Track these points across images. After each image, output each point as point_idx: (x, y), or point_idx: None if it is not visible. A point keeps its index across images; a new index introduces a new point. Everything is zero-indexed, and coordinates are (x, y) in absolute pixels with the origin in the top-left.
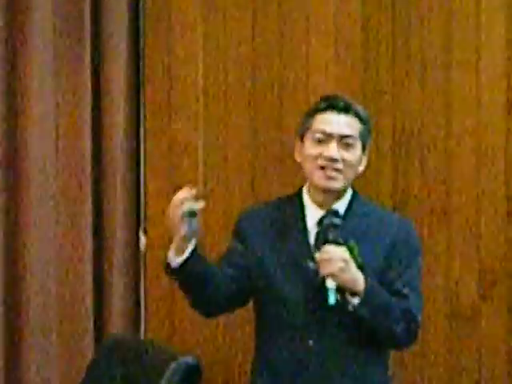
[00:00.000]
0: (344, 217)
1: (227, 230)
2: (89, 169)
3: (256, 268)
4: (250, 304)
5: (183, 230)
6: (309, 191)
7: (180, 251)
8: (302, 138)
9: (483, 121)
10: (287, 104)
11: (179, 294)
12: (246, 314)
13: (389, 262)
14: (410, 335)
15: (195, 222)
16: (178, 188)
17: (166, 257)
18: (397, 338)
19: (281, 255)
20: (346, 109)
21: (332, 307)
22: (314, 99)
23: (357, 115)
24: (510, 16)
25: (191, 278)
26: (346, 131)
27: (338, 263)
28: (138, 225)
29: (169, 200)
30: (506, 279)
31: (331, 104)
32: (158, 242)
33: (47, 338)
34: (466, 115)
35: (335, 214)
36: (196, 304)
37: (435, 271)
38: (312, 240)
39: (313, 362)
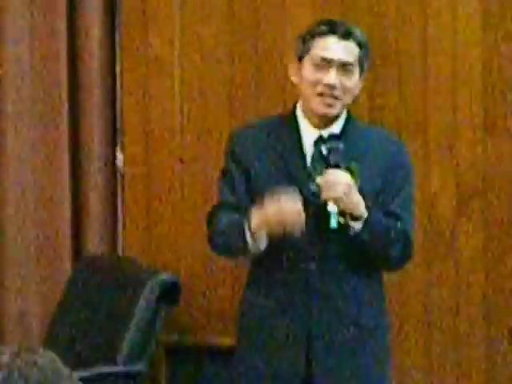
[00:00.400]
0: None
1: (205, 143)
2: (65, 86)
3: (254, 191)
4: None
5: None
6: (303, 112)
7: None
8: (299, 59)
9: (459, 35)
10: (265, 23)
11: (157, 212)
12: None
13: (384, 184)
14: (406, 256)
15: None
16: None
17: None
18: (393, 259)
19: (279, 178)
20: (346, 34)
21: (333, 231)
22: (290, 21)
23: (356, 41)
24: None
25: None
26: (346, 58)
27: (341, 187)
28: (115, 143)
29: (144, 116)
30: (484, 193)
31: (332, 29)
32: (135, 159)
33: (26, 259)
34: (442, 29)
35: (336, 137)
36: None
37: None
38: (309, 161)
39: (314, 284)
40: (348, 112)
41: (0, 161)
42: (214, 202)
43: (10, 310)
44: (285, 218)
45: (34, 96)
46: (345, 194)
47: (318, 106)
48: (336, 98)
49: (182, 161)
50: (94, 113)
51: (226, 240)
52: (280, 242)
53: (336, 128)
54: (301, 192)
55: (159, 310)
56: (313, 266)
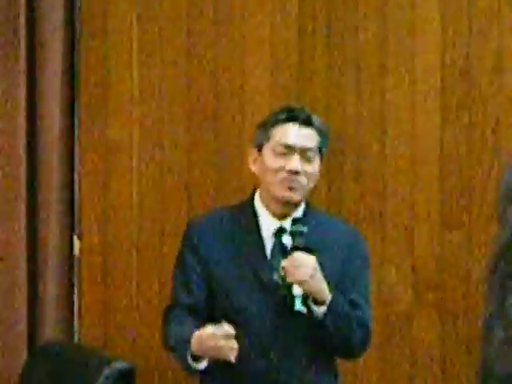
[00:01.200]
0: (294, 231)
1: (162, 233)
2: (23, 171)
3: (213, 282)
4: None
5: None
6: (263, 201)
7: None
8: (259, 148)
9: (418, 126)
10: (223, 108)
11: (113, 300)
12: None
13: (343, 273)
14: (364, 344)
15: None
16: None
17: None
18: (352, 347)
19: (238, 268)
20: (306, 121)
21: (297, 314)
22: (249, 105)
23: (316, 128)
24: (444, 22)
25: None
26: (308, 144)
27: (308, 270)
28: (72, 230)
29: (102, 205)
30: (440, 286)
31: (292, 116)
32: (92, 246)
33: None
34: (400, 121)
35: (301, 221)
36: None
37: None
38: (268, 251)
39: (273, 374)
40: (306, 200)
41: None
42: (168, 285)
43: None
44: (219, 344)
45: None
46: (311, 276)
47: (282, 192)
48: (299, 183)
49: (137, 248)
50: (51, 199)
51: (174, 352)
52: (240, 331)
53: (297, 216)
54: (262, 283)
55: None
56: (273, 355)
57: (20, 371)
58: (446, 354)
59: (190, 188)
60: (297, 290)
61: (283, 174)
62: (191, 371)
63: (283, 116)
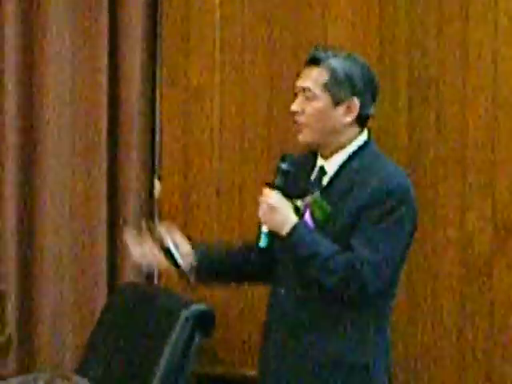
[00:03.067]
0: (337, 173)
1: (243, 176)
2: (104, 116)
3: None
4: None
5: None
6: None
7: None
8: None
9: (500, 71)
10: (303, 55)
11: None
12: None
13: (359, 218)
14: (348, 289)
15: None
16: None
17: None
18: (329, 289)
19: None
20: (314, 61)
21: (261, 250)
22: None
23: (326, 66)
24: None
25: (215, 277)
26: (305, 83)
27: (263, 207)
28: (153, 172)
29: (183, 146)
30: None
31: (307, 58)
32: (173, 188)
33: (63, 286)
34: (482, 66)
35: (285, 158)
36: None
37: (449, 223)
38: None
39: (285, 310)
40: (363, 145)
41: (38, 188)
42: (251, 234)
43: (45, 337)
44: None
45: (75, 126)
46: (265, 213)
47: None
48: (300, 123)
49: (218, 192)
50: (132, 142)
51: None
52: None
53: (337, 161)
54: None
55: (193, 340)
56: (283, 291)
57: (100, 310)
58: None
59: (270, 132)
60: (264, 227)
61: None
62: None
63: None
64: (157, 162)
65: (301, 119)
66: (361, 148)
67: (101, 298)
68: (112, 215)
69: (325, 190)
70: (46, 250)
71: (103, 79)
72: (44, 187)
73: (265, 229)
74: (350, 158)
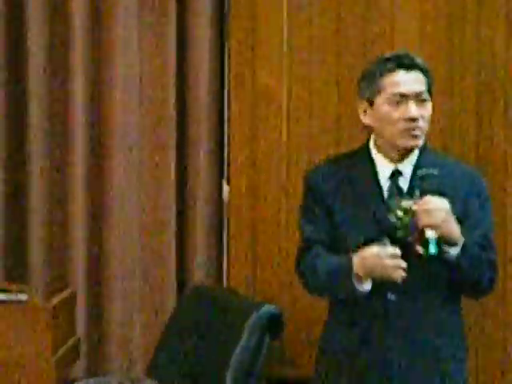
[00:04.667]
0: (415, 170)
1: None
2: (173, 119)
3: (334, 226)
4: None
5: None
6: (378, 148)
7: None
8: (370, 101)
9: None
10: (371, 53)
11: (262, 244)
12: None
13: (466, 213)
14: (492, 285)
15: None
16: None
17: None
18: (482, 287)
19: (357, 211)
20: (412, 65)
21: (431, 257)
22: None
23: (421, 69)
24: None
25: None
26: (419, 88)
27: (440, 213)
28: (222, 174)
29: (251, 149)
30: None
31: (399, 63)
32: (241, 191)
33: (131, 287)
34: None
35: (429, 164)
36: None
37: None
38: (385, 194)
39: (392, 315)
40: (424, 144)
41: (107, 191)
42: None
43: (115, 338)
44: (385, 263)
45: (144, 127)
46: (444, 220)
47: (406, 140)
48: (420, 128)
49: (286, 193)
50: (201, 144)
51: (326, 281)
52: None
53: (411, 161)
54: (380, 224)
55: (263, 343)
56: (393, 297)
57: (170, 313)
58: None
59: (338, 133)
60: (430, 234)
61: (403, 123)
62: (356, 295)
63: (390, 64)
64: (225, 165)
65: (421, 125)
66: (422, 149)
67: (170, 299)
68: (181, 217)
69: (417, 190)
70: (114, 252)
71: (171, 82)
72: (113, 189)
73: (434, 235)
74: (419, 158)
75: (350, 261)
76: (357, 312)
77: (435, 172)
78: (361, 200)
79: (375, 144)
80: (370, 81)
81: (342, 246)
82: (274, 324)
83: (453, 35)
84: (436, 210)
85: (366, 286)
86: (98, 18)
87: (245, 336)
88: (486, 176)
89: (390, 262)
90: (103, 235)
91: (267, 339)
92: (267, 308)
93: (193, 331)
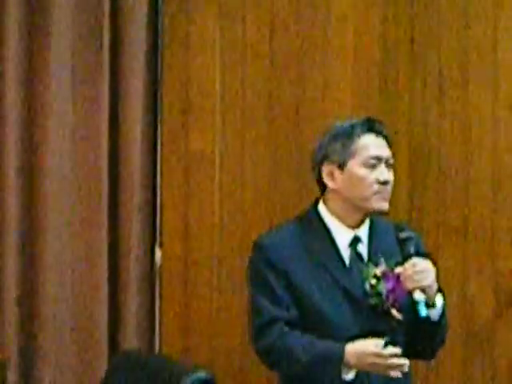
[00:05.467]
0: (370, 235)
1: (244, 241)
2: (105, 184)
3: (297, 295)
4: None
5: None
6: (333, 212)
7: None
8: (340, 164)
9: (500, 140)
10: (304, 119)
11: (194, 308)
12: None
13: None
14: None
15: None
16: None
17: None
18: (441, 346)
19: (320, 279)
20: (381, 131)
21: (422, 320)
22: (330, 117)
23: (386, 136)
24: None
25: None
26: (389, 152)
27: (432, 274)
28: (154, 239)
29: (184, 213)
30: None
31: (370, 127)
32: (174, 255)
33: (61, 351)
34: (483, 134)
35: (404, 228)
36: None
37: (451, 289)
38: (347, 260)
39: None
40: None
41: (39, 252)
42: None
43: None
44: (387, 363)
45: (75, 192)
46: (433, 280)
47: (379, 203)
48: (389, 192)
49: (218, 259)
50: (133, 209)
51: (307, 364)
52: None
53: (366, 226)
54: (346, 292)
55: None
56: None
57: (101, 379)
58: None
59: (271, 200)
60: (419, 296)
61: (377, 186)
62: (335, 381)
63: (362, 128)
64: (158, 229)
65: (389, 188)
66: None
67: (101, 364)
68: (113, 281)
69: (373, 254)
70: (47, 317)
71: (104, 146)
72: (45, 252)
73: (422, 297)
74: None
75: (341, 350)
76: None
77: (412, 234)
78: (322, 269)
79: (329, 209)
80: (341, 143)
81: (309, 316)
82: None
83: (385, 105)
84: (425, 271)
85: (351, 375)
86: (30, 75)
87: None
88: None
89: (391, 362)
90: (35, 302)
91: None
92: (199, 373)
93: None
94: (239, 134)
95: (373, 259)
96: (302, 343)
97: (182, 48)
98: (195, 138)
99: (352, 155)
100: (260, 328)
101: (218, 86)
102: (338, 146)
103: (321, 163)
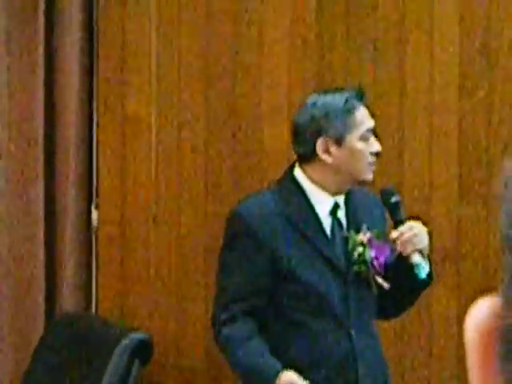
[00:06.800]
0: (347, 202)
1: (180, 205)
2: (41, 145)
3: (279, 265)
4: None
5: None
6: (317, 181)
7: None
8: (340, 140)
9: (436, 99)
10: (241, 78)
11: (130, 270)
12: (198, 290)
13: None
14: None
15: None
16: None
17: None
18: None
19: (302, 247)
20: (364, 100)
21: (422, 281)
22: (267, 79)
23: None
24: None
25: None
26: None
27: (426, 235)
28: (90, 201)
29: (120, 175)
30: (457, 259)
31: (360, 97)
32: (110, 217)
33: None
34: (418, 94)
35: (389, 192)
36: None
37: None
38: (327, 227)
39: (356, 351)
40: None
41: None
42: (188, 263)
43: None
44: None
45: (11, 155)
46: (427, 242)
47: (369, 174)
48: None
49: (155, 220)
50: (70, 172)
51: (245, 372)
52: (319, 312)
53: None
54: (328, 260)
55: (132, 369)
56: (353, 332)
57: (38, 341)
58: (463, 326)
59: (207, 162)
60: (418, 259)
61: (370, 158)
62: None
63: (355, 100)
64: (94, 192)
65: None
66: None
67: (38, 327)
68: (49, 243)
69: (353, 221)
70: None
71: (39, 109)
72: None
73: (421, 259)
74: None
75: (275, 372)
76: (319, 353)
77: (399, 199)
78: (304, 238)
79: (309, 177)
80: (338, 118)
81: (292, 285)
82: (142, 350)
83: (321, 63)
84: (421, 233)
85: None
86: None
87: (113, 364)
88: None
89: None
90: None
91: (136, 365)
92: (136, 334)
93: (59, 362)
94: (175, 96)
95: (352, 226)
96: (247, 344)
97: (118, 10)
98: (131, 100)
99: (350, 130)
100: (221, 310)
101: (153, 48)
102: (335, 121)
103: (315, 138)
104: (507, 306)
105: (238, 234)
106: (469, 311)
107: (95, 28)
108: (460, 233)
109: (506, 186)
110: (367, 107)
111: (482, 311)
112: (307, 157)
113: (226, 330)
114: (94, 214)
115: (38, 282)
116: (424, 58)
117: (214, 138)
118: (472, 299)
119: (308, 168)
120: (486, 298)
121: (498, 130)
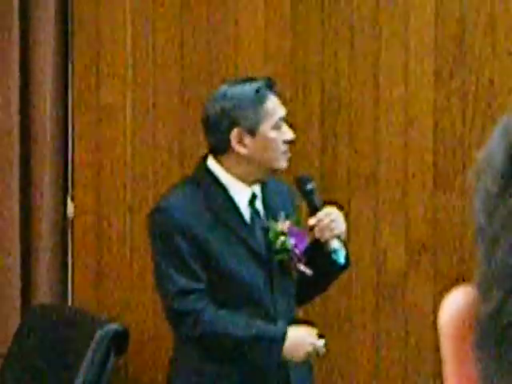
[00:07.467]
0: (263, 191)
1: (156, 193)
2: (16, 136)
3: (205, 255)
4: None
5: None
6: (234, 172)
7: None
8: (253, 130)
9: (411, 87)
10: (216, 68)
11: (106, 261)
12: None
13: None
14: None
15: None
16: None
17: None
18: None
19: (224, 237)
20: (276, 90)
21: (342, 266)
22: (243, 67)
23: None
24: None
25: None
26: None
27: (342, 219)
28: (66, 192)
29: (96, 166)
30: (433, 248)
31: (270, 87)
32: (85, 208)
33: None
34: (393, 85)
35: (308, 179)
36: None
37: (362, 239)
38: (247, 217)
39: None
40: None
41: None
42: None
43: None
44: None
45: None
46: (344, 228)
47: (283, 163)
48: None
49: (131, 210)
50: (45, 162)
51: (241, 342)
52: (242, 300)
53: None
54: (250, 248)
55: (108, 359)
56: (279, 321)
57: (13, 333)
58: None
59: (184, 152)
60: (337, 244)
61: (283, 146)
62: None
63: (266, 90)
64: (69, 182)
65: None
66: None
67: (14, 318)
68: (25, 235)
69: (270, 210)
70: None
71: (14, 100)
72: None
73: (339, 244)
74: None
75: (284, 332)
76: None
77: (314, 186)
78: (226, 228)
79: (225, 168)
80: (250, 109)
81: (216, 274)
82: (119, 341)
83: (296, 53)
84: (338, 218)
85: None
86: None
87: (89, 354)
88: (331, 192)
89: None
90: None
91: (112, 357)
92: (111, 326)
93: (35, 354)
94: (151, 86)
95: (269, 215)
96: (233, 320)
97: (93, 1)
98: (106, 90)
99: (262, 119)
100: (178, 293)
101: (128, 38)
102: (247, 111)
103: (229, 130)
104: (482, 296)
105: (166, 228)
106: (443, 301)
107: (70, 19)
108: (436, 222)
109: (478, 174)
110: (279, 96)
111: (456, 301)
112: (221, 148)
113: (204, 316)
114: (70, 205)
115: (13, 273)
116: (398, 48)
117: (189, 128)
118: (448, 289)
119: (223, 159)
120: (460, 287)
121: (473, 119)
